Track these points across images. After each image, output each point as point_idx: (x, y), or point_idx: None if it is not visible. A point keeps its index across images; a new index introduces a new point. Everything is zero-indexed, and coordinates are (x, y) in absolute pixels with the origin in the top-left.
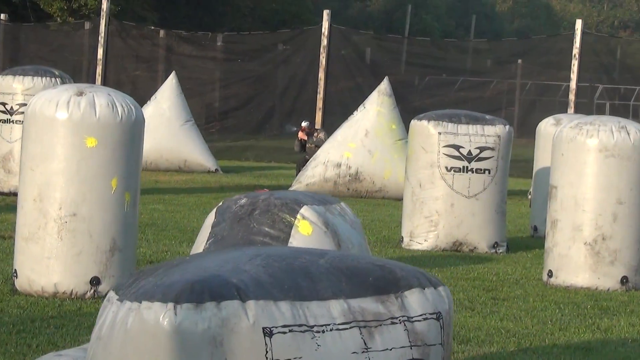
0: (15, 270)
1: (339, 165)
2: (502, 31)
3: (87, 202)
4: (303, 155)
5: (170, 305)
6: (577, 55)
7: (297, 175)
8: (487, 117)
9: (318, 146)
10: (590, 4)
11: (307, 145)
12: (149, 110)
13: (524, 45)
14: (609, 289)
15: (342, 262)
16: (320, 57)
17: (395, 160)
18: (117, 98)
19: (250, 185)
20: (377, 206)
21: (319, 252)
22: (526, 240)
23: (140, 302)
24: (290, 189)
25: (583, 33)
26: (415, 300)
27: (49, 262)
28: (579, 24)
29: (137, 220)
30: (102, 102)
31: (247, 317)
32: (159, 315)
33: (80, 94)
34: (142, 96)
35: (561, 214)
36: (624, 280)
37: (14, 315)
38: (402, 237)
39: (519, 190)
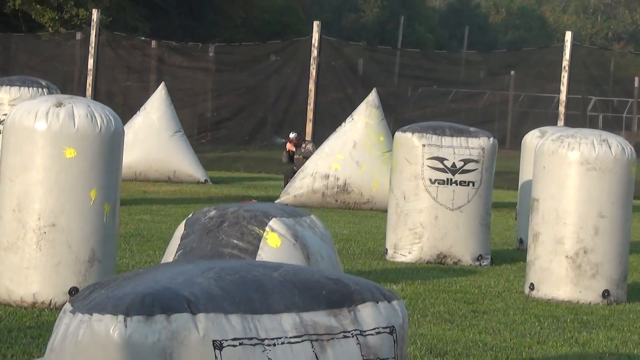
0: None
1: (327, 176)
2: (496, 42)
3: (66, 213)
4: (291, 166)
5: (121, 317)
6: (567, 67)
7: (285, 186)
8: (472, 129)
9: (306, 157)
10: (584, 16)
11: (295, 157)
12: (138, 121)
13: (516, 57)
14: (590, 303)
15: (295, 275)
16: (311, 68)
17: (383, 171)
18: (96, 109)
19: (239, 196)
20: (365, 218)
21: (273, 266)
22: (511, 253)
23: (92, 314)
24: (278, 200)
25: (574, 45)
26: (369, 314)
27: (28, 272)
28: (568, 35)
29: (117, 231)
30: (81, 113)
31: (197, 330)
32: (109, 328)
33: (59, 105)
34: (133, 106)
35: (543, 227)
36: (606, 293)
37: None
38: (387, 249)
39: (509, 203)
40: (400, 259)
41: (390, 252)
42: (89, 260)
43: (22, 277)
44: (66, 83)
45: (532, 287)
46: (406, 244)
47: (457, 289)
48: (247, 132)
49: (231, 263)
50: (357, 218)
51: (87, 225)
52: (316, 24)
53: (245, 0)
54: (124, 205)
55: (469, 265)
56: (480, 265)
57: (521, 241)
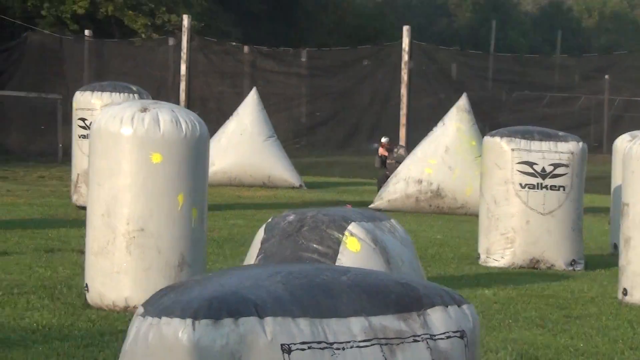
0: (86, 284)
1: (420, 181)
2: (589, 46)
3: (154, 218)
4: (383, 171)
5: (189, 321)
6: None
7: (378, 191)
8: (560, 133)
9: (398, 162)
10: None
11: (387, 161)
12: (231, 125)
13: (608, 61)
14: None
15: (364, 279)
16: (402, 73)
17: (476, 176)
18: (181, 114)
19: (333, 200)
20: (459, 223)
21: (341, 269)
22: (606, 258)
23: (160, 318)
24: (372, 205)
25: None
26: (438, 318)
27: (119, 276)
28: None
29: (206, 235)
30: (165, 118)
31: (265, 333)
32: (178, 331)
33: (144, 110)
34: (226, 112)
35: (634, 231)
36: None
37: (83, 329)
38: (479, 254)
39: (605, 207)
40: (492, 263)
41: (482, 256)
42: (179, 265)
43: (114, 281)
44: (159, 88)
45: (625, 292)
46: (498, 249)
47: (550, 293)
48: (341, 136)
49: (299, 267)
50: (452, 223)
51: (176, 230)
52: (406, 29)
53: (337, 6)
54: (218, 210)
55: (562, 270)
56: (573, 270)
57: (615, 246)
